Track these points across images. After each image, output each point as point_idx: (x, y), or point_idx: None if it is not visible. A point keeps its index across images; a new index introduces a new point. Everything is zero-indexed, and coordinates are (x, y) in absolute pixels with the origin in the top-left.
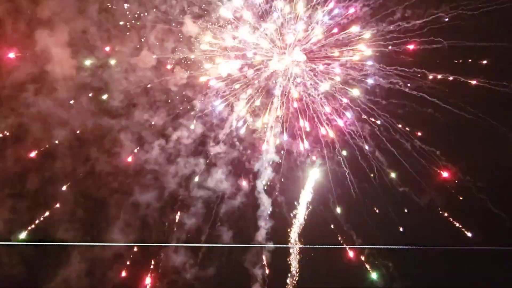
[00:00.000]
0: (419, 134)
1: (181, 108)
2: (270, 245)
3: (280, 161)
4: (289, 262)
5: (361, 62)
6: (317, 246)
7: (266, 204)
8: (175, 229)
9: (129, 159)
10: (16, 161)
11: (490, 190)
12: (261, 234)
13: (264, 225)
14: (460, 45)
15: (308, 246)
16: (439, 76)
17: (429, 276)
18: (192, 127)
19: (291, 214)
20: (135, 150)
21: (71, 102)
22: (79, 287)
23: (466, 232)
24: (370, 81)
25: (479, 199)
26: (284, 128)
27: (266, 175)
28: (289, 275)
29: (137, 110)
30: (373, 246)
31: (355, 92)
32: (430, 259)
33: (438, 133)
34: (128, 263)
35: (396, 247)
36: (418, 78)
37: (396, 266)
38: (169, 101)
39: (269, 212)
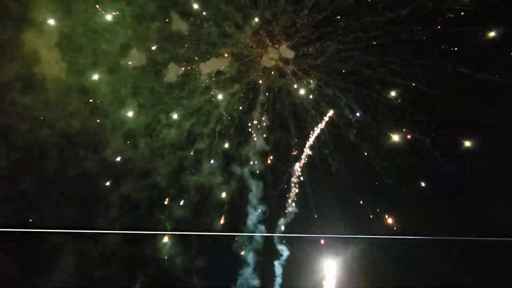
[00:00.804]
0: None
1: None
2: (258, 234)
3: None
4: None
5: None
6: (305, 235)
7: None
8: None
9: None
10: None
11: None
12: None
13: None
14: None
15: (295, 235)
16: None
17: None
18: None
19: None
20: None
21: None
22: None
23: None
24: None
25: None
26: (273, 122)
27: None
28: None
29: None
30: (362, 236)
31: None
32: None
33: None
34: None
35: (388, 237)
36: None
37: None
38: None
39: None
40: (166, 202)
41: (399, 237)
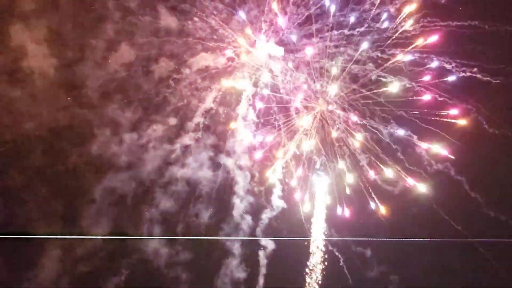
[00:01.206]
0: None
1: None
2: (240, 238)
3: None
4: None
5: None
6: (294, 238)
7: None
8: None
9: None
10: None
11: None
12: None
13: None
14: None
15: (283, 238)
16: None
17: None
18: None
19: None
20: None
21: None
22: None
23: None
24: None
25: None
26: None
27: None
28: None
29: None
30: (348, 238)
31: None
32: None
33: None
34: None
35: (370, 239)
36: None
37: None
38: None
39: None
40: (152, 195)
41: (389, 239)
